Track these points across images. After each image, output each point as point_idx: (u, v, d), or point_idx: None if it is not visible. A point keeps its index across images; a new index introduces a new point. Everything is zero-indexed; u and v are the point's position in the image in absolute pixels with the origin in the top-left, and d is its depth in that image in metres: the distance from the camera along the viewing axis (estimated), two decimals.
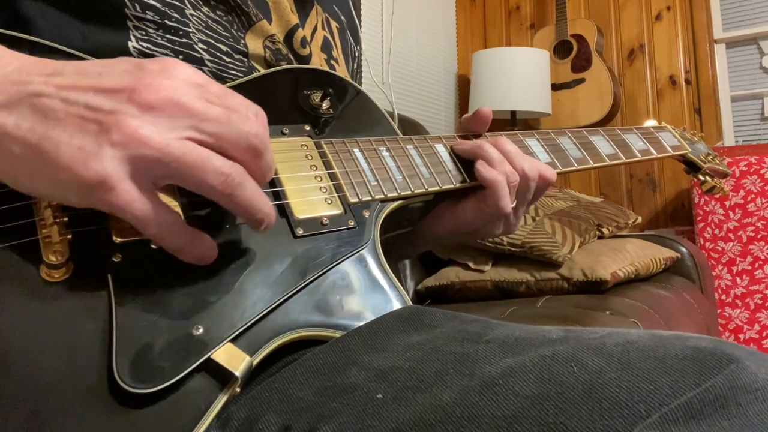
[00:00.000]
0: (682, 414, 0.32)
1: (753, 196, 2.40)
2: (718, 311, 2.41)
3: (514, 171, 0.62)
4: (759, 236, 2.38)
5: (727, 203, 2.43)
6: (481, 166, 0.62)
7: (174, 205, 0.46)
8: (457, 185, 0.62)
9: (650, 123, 0.91)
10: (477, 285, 1.82)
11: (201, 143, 0.39)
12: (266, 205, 0.43)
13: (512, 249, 1.79)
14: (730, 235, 2.43)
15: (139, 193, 0.38)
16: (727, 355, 0.35)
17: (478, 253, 1.88)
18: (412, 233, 0.73)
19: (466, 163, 0.64)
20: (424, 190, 0.59)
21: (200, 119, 0.39)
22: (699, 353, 0.35)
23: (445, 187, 0.61)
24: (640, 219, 2.32)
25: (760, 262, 2.38)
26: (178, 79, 0.39)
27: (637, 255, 1.87)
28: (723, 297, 2.43)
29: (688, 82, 2.97)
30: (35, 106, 0.37)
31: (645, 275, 1.91)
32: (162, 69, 0.39)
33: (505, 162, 0.62)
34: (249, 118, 0.42)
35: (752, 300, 2.39)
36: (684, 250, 2.17)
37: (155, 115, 0.38)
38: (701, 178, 0.90)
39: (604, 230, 2.04)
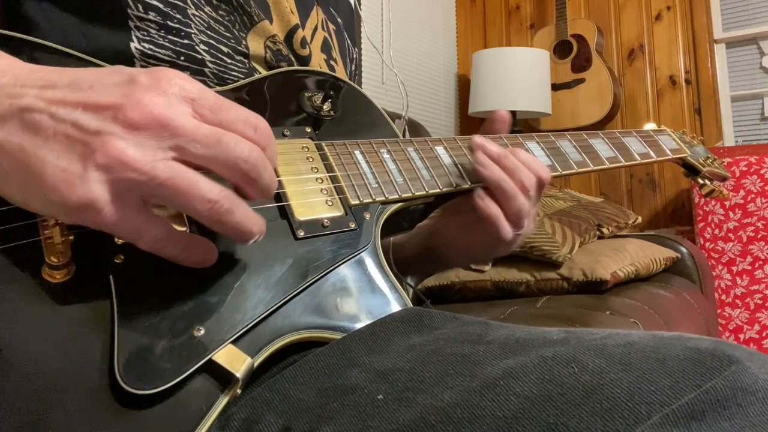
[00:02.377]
0: (683, 415, 0.32)
1: (753, 196, 2.40)
2: (718, 311, 2.41)
3: (516, 191, 0.60)
4: (759, 236, 2.38)
5: (727, 203, 2.43)
6: (479, 199, 0.60)
7: None
8: (458, 188, 0.62)
9: (650, 126, 0.91)
10: (477, 285, 1.82)
11: (189, 164, 0.38)
12: (256, 226, 0.42)
13: None
14: (730, 235, 2.43)
15: (125, 213, 0.38)
16: (728, 356, 0.35)
17: None
18: (435, 261, 0.73)
19: (468, 165, 0.64)
20: (424, 192, 0.59)
21: (187, 139, 0.38)
22: (699, 354, 0.35)
23: (445, 189, 0.61)
24: (640, 219, 2.32)
25: (760, 262, 2.38)
26: (168, 95, 0.38)
27: (637, 255, 1.87)
28: (723, 297, 2.43)
29: (688, 82, 2.97)
30: (25, 122, 0.37)
31: (645, 275, 1.91)
32: (153, 82, 0.38)
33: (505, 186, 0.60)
34: (243, 138, 0.40)
35: (752, 300, 2.39)
36: (684, 250, 2.17)
37: (140, 135, 0.37)
38: (700, 181, 0.90)
39: (604, 230, 2.04)
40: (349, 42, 0.80)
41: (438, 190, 0.60)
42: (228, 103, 0.41)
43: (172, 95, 0.38)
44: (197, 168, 0.39)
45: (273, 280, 0.47)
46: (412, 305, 0.52)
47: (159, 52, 0.55)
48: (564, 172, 0.72)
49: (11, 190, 0.38)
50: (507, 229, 0.61)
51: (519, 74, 2.76)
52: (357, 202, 0.55)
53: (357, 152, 0.58)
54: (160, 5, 0.55)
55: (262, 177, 0.41)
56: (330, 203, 0.54)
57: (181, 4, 0.56)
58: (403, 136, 0.64)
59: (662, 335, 0.39)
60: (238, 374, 0.41)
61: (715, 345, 0.36)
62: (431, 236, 0.73)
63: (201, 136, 0.38)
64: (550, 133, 0.76)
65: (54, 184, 0.36)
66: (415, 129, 2.21)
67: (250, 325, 0.44)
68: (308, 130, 0.58)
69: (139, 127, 0.37)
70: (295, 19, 0.67)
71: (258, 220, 0.42)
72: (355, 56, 0.81)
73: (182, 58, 0.56)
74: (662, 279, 1.99)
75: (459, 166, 0.63)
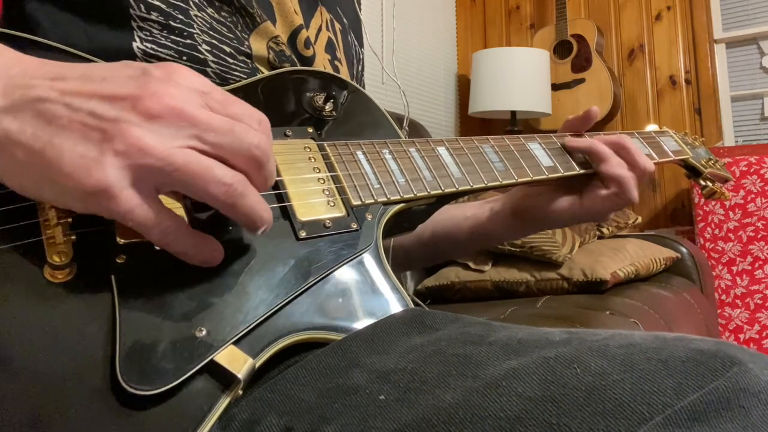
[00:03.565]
0: (686, 416, 0.32)
1: (753, 196, 2.40)
2: (718, 311, 2.42)
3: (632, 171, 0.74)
4: (759, 236, 2.38)
5: (727, 203, 2.43)
6: (609, 166, 0.73)
7: (177, 207, 0.46)
8: (460, 188, 0.62)
9: (652, 127, 0.91)
10: (477, 285, 1.82)
11: (203, 152, 0.39)
12: (266, 212, 0.43)
13: (512, 249, 1.79)
14: (730, 235, 2.43)
15: (140, 200, 0.38)
16: (730, 357, 0.35)
17: (478, 253, 1.88)
18: (523, 218, 0.80)
19: (468, 165, 0.64)
20: (426, 193, 0.59)
21: (203, 129, 0.39)
22: (702, 355, 0.35)
23: (447, 190, 0.61)
24: (640, 219, 2.32)
25: (760, 262, 2.38)
26: (181, 87, 0.39)
27: (637, 255, 1.87)
28: (723, 297, 2.43)
29: (688, 82, 2.97)
30: (39, 112, 0.37)
31: (645, 275, 1.91)
32: (166, 76, 0.39)
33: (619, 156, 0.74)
34: (251, 128, 0.41)
35: (752, 300, 2.39)
36: (684, 250, 2.17)
37: (158, 123, 0.38)
38: (702, 182, 0.90)
39: (604, 230, 2.05)
40: (355, 42, 0.80)
41: (440, 191, 0.60)
42: (234, 98, 0.42)
43: (185, 87, 0.39)
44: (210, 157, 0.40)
45: (275, 281, 0.47)
46: (413, 306, 0.52)
47: (161, 52, 0.55)
48: (566, 174, 0.72)
49: (24, 181, 0.38)
50: (635, 192, 0.74)
51: (519, 74, 2.76)
52: (359, 202, 0.55)
53: (359, 153, 0.58)
54: (162, 5, 0.55)
55: (269, 164, 0.42)
56: (332, 204, 0.54)
57: (183, 4, 0.57)
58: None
59: (664, 336, 0.39)
60: (240, 375, 0.41)
61: (718, 346, 0.36)
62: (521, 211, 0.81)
63: (215, 125, 0.39)
64: (552, 135, 0.76)
65: (71, 170, 0.36)
66: (415, 129, 2.21)
67: (251, 326, 0.44)
68: (310, 130, 0.58)
69: (156, 117, 0.38)
70: (299, 20, 0.67)
71: (267, 208, 0.43)
72: (361, 57, 0.82)
73: (185, 57, 0.56)
74: (662, 279, 1.99)
75: (461, 166, 0.63)
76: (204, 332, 0.42)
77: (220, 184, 0.39)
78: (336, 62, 0.73)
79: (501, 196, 0.84)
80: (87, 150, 0.37)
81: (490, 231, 0.84)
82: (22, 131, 0.37)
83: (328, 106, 0.60)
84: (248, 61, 0.61)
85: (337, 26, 0.77)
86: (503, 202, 0.83)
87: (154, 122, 0.38)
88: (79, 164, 0.36)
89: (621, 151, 0.75)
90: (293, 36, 0.66)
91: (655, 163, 0.83)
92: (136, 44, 0.54)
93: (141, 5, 0.54)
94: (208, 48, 0.57)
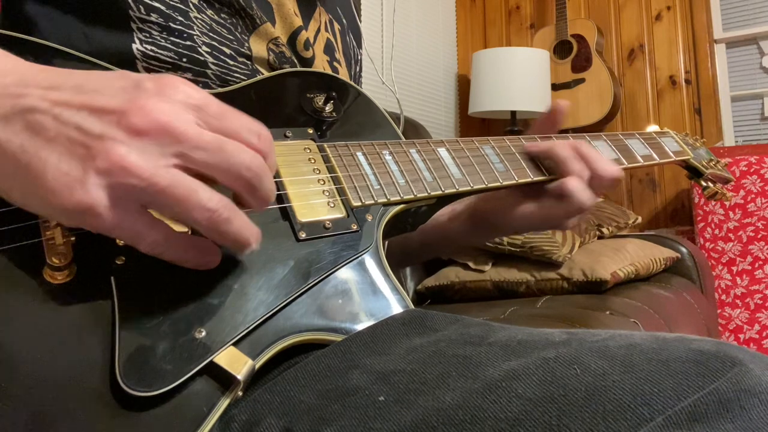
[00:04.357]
0: (686, 417, 0.32)
1: (753, 196, 2.40)
2: (718, 311, 2.42)
3: (585, 168, 0.69)
4: (759, 236, 2.38)
5: (727, 203, 2.43)
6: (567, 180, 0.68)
7: None
8: (460, 189, 0.62)
9: (653, 128, 0.91)
10: (477, 285, 1.82)
11: (190, 171, 0.38)
12: (253, 236, 0.42)
13: (512, 249, 1.79)
14: (730, 235, 2.43)
15: (124, 217, 0.37)
16: (731, 357, 0.35)
17: (478, 253, 1.88)
18: (484, 225, 0.77)
19: (469, 166, 0.64)
20: (426, 194, 0.59)
21: (190, 146, 0.38)
22: (702, 356, 0.35)
23: (447, 191, 0.61)
24: (640, 219, 2.32)
25: (760, 262, 2.38)
26: (173, 101, 0.38)
27: (637, 255, 1.87)
28: (723, 297, 2.43)
29: (688, 82, 2.97)
30: (28, 123, 0.37)
31: (645, 275, 1.91)
32: (158, 89, 0.38)
33: (579, 160, 0.69)
34: (247, 147, 0.40)
35: (752, 300, 2.39)
36: (684, 250, 2.17)
37: (143, 140, 0.37)
38: (703, 183, 0.90)
39: (604, 230, 2.05)
40: (354, 43, 0.80)
41: (440, 192, 0.60)
42: (231, 111, 0.41)
43: (177, 102, 0.38)
44: (199, 176, 0.39)
45: (274, 282, 0.47)
46: (413, 307, 0.52)
47: (161, 54, 0.55)
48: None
49: (12, 191, 0.38)
50: (586, 194, 0.69)
51: (519, 74, 2.76)
52: (359, 203, 0.55)
53: (359, 153, 0.58)
54: (162, 7, 0.55)
55: (262, 185, 0.41)
56: (332, 205, 0.54)
57: (183, 6, 0.57)
58: None
59: (665, 337, 0.39)
60: (239, 376, 0.41)
61: (718, 347, 0.36)
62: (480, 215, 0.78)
63: (204, 143, 0.38)
64: (553, 135, 0.76)
65: (54, 187, 0.36)
66: (415, 129, 2.21)
67: (251, 327, 0.44)
68: (310, 131, 0.58)
69: (141, 133, 0.37)
70: (298, 21, 0.67)
71: (255, 231, 0.42)
72: (359, 57, 0.82)
73: (184, 59, 0.56)
74: (662, 279, 1.99)
75: (461, 167, 0.63)
76: (203, 333, 0.42)
77: (204, 209, 0.38)
78: (335, 63, 0.72)
79: (465, 199, 0.81)
80: (70, 167, 0.36)
81: (449, 233, 0.81)
82: (10, 141, 0.36)
83: (328, 107, 0.60)
84: (248, 62, 0.61)
85: (336, 27, 0.76)
86: (464, 205, 0.80)
87: (139, 139, 0.36)
88: (63, 182, 0.36)
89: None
90: (293, 37, 0.66)
91: (656, 164, 0.82)
92: (136, 46, 0.54)
93: (140, 7, 0.54)
94: (208, 50, 0.57)
